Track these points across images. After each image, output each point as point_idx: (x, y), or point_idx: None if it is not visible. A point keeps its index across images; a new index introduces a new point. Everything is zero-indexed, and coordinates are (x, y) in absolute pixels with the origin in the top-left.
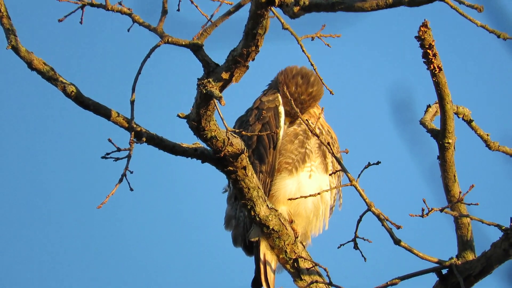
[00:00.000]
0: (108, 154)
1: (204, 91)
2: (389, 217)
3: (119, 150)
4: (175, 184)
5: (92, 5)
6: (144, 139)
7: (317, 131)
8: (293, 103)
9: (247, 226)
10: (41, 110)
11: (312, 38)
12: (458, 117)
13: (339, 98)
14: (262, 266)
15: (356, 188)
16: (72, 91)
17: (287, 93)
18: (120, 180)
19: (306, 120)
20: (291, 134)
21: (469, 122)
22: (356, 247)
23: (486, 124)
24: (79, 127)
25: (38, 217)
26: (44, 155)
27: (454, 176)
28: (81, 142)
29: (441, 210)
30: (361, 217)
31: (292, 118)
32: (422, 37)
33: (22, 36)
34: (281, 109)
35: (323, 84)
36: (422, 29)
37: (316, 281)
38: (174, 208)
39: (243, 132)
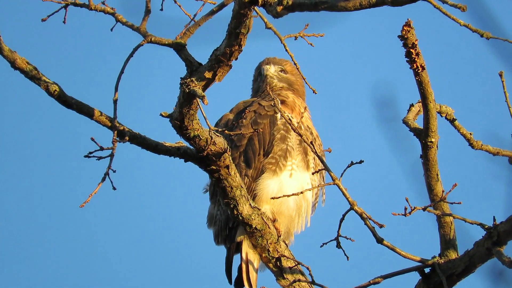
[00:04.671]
0: (91, 153)
1: (187, 90)
2: (371, 216)
3: (102, 149)
4: (158, 183)
5: (75, 4)
6: (127, 138)
7: (297, 126)
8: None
9: (222, 224)
10: (24, 109)
11: (295, 38)
12: (441, 116)
13: (322, 97)
14: (244, 265)
15: (339, 187)
16: (55, 90)
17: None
18: (103, 179)
19: (289, 118)
20: (275, 130)
21: (452, 121)
22: (338, 246)
23: (469, 123)
24: (62, 126)
25: (19, 215)
26: (26, 154)
27: (437, 175)
28: (64, 141)
29: (424, 209)
30: (343, 216)
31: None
32: (405, 36)
33: (5, 35)
34: (278, 116)
35: (306, 83)
36: (405, 28)
37: (299, 280)
38: (156, 206)
39: (226, 132)
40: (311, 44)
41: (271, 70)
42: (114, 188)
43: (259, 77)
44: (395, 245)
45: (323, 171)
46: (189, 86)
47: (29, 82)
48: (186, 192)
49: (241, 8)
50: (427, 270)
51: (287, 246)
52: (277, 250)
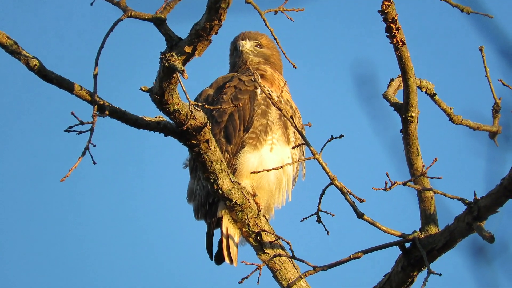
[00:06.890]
0: (71, 127)
1: (167, 65)
2: (352, 191)
3: (82, 123)
4: (137, 157)
5: None
6: (107, 112)
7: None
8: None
9: (202, 200)
10: (3, 83)
11: (275, 12)
12: (421, 91)
13: (302, 72)
14: (224, 240)
15: (319, 161)
16: (35, 64)
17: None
18: (83, 153)
19: (269, 93)
20: (255, 105)
21: (432, 96)
22: (319, 220)
23: (450, 98)
24: (42, 100)
25: None
26: (5, 128)
27: (417, 149)
28: (44, 116)
29: (404, 184)
30: (324, 190)
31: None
32: (385, 11)
33: None
34: (259, 91)
35: (286, 58)
36: (385, 3)
37: (279, 255)
38: (136, 181)
39: (206, 106)
40: (290, 19)
41: (247, 46)
42: (94, 163)
43: (235, 52)
44: (376, 220)
45: (304, 145)
46: (169, 61)
47: (9, 56)
48: (166, 166)
49: None
50: (407, 245)
51: (267, 221)
52: (257, 225)
